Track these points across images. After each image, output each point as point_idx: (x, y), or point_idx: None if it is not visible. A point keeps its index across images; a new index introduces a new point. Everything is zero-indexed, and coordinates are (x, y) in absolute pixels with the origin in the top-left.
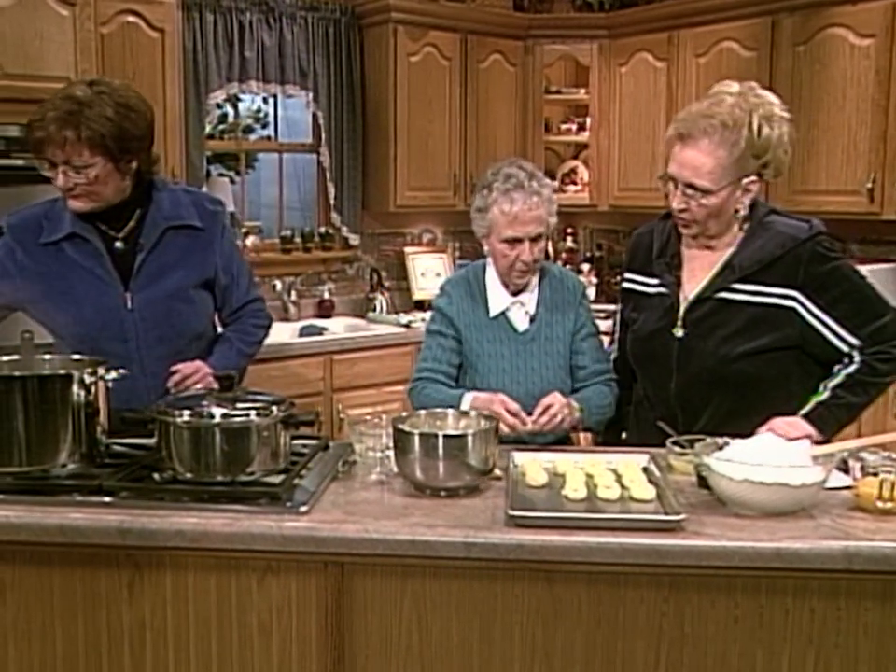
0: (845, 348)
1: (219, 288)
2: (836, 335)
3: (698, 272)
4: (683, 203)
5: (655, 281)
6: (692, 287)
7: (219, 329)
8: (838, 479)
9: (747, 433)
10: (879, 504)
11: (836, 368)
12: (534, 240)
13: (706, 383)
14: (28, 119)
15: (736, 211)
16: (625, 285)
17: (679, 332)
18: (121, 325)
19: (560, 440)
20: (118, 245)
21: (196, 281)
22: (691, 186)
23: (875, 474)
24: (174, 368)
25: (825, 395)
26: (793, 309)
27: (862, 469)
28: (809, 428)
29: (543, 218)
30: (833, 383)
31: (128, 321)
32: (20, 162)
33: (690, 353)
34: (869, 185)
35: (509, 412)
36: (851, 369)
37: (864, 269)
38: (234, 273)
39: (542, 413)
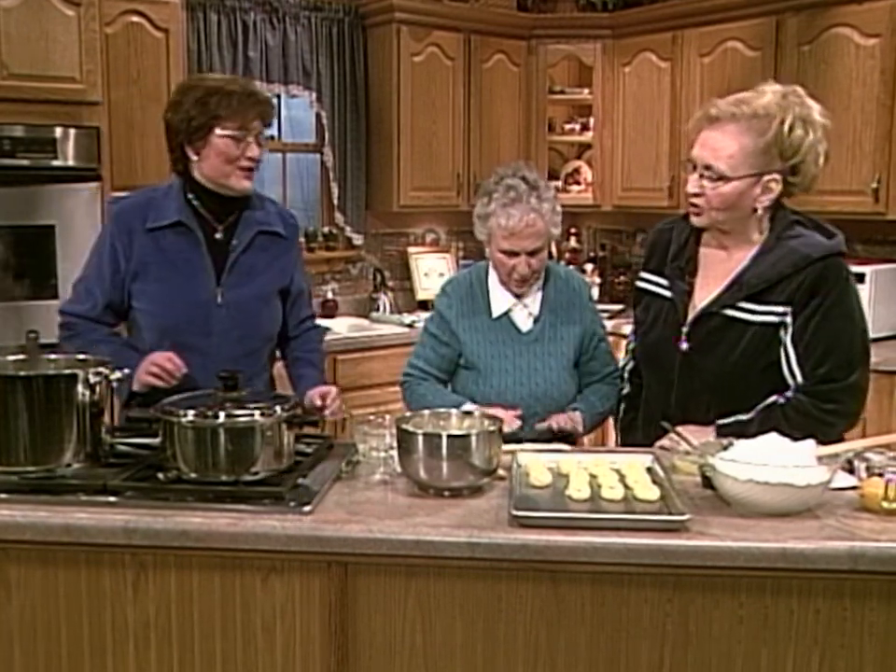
0: (791, 383)
1: (290, 298)
2: (790, 368)
3: (711, 280)
4: (698, 188)
5: (666, 283)
6: (702, 296)
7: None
8: (843, 479)
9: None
10: (885, 504)
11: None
12: (531, 253)
13: (705, 396)
14: (241, 87)
15: (755, 210)
16: (640, 284)
17: (684, 345)
18: (208, 319)
19: (565, 439)
20: (217, 237)
21: (278, 286)
22: (708, 167)
23: (881, 474)
24: (323, 390)
25: (749, 415)
26: (783, 324)
27: (868, 469)
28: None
29: (542, 233)
30: (761, 405)
31: (215, 316)
32: (25, 162)
33: (691, 367)
34: (874, 185)
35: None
36: (780, 400)
37: (868, 269)
38: (304, 286)
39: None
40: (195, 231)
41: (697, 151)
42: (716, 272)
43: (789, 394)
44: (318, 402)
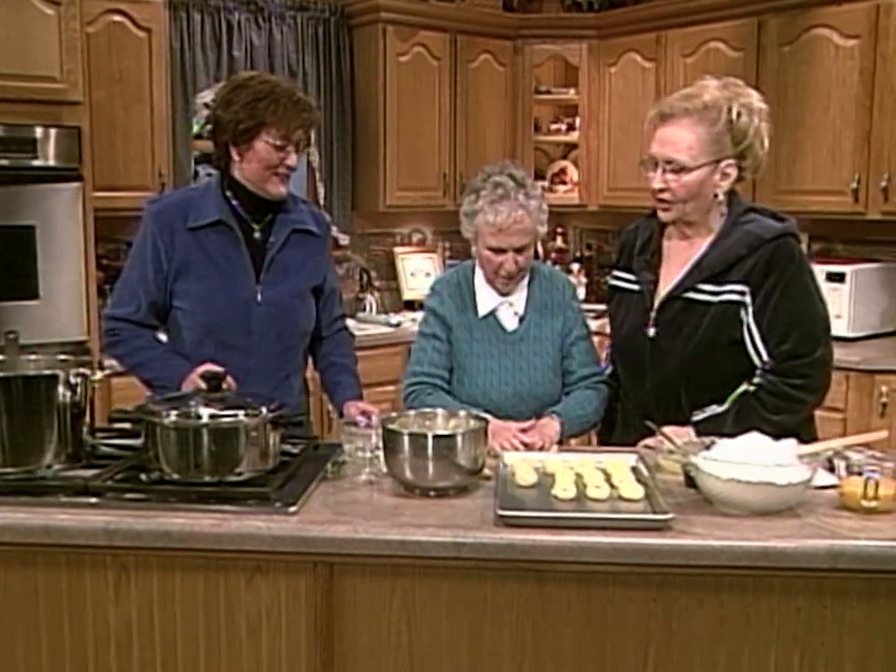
0: (757, 362)
1: (323, 297)
2: (755, 346)
3: (674, 268)
4: (662, 183)
5: (634, 278)
6: (667, 284)
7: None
8: (824, 478)
9: None
10: (864, 503)
11: (746, 382)
12: (518, 250)
13: (676, 380)
14: (288, 93)
15: (715, 196)
16: (612, 282)
17: (651, 332)
18: (249, 318)
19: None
20: (256, 236)
21: (312, 284)
22: (670, 162)
23: (860, 473)
24: (367, 410)
25: (723, 407)
26: (742, 304)
27: (848, 467)
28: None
29: (529, 230)
30: (733, 395)
31: (256, 314)
32: (5, 162)
33: (660, 352)
34: (854, 185)
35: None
36: (751, 388)
37: (849, 269)
38: (336, 285)
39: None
40: (235, 229)
41: (657, 148)
42: (679, 260)
43: (757, 380)
44: (362, 422)
